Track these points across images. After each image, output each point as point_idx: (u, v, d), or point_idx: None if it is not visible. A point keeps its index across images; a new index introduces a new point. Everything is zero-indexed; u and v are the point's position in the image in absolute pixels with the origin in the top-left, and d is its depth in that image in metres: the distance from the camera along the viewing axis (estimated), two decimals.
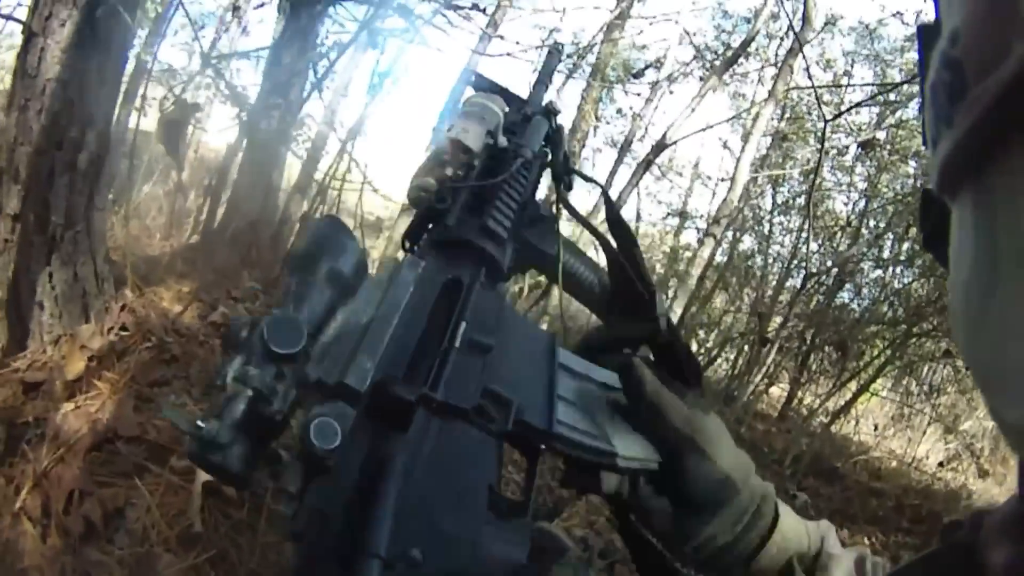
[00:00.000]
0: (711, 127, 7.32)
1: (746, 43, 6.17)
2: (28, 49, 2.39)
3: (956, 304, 0.38)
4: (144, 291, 3.02)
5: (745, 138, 6.28)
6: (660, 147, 5.62)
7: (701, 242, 5.65)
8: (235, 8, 7.82)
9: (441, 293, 0.90)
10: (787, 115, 8.66)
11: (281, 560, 1.89)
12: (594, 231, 1.18)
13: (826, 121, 4.66)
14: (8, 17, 4.30)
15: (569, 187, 1.26)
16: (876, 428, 9.65)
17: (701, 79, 8.52)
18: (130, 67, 6.81)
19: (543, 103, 1.32)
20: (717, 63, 8.06)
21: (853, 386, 7.88)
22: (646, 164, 5.96)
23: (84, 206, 2.57)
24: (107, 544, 1.82)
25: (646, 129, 8.05)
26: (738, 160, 5.63)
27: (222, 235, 4.62)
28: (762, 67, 9.49)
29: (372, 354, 0.75)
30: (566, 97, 8.97)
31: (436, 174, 1.07)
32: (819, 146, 5.47)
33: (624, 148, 7.28)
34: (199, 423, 0.61)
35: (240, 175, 4.78)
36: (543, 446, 0.87)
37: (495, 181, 1.07)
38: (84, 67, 2.44)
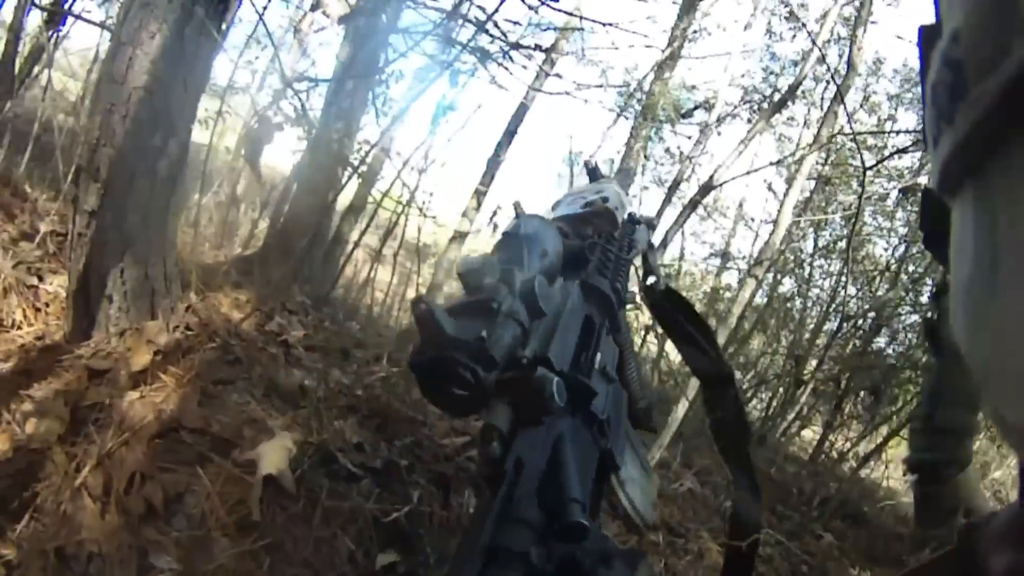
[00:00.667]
0: (756, 171, 7.35)
1: (793, 88, 6.20)
2: (116, 56, 2.48)
3: (956, 303, 0.38)
4: (206, 295, 3.14)
5: (789, 181, 6.32)
6: (707, 189, 5.65)
7: (742, 283, 5.67)
8: (296, 30, 8.01)
9: (584, 322, 1.09)
10: (831, 159, 8.68)
11: (332, 554, 1.98)
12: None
13: (865, 168, 4.71)
14: (79, 17, 4.50)
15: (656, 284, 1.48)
16: (905, 474, 9.58)
17: (749, 121, 8.61)
18: None
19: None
20: (765, 105, 8.13)
21: (884, 431, 7.88)
22: (692, 205, 5.99)
23: (160, 210, 2.68)
24: (165, 525, 1.89)
25: (693, 169, 8.13)
26: (781, 203, 5.64)
27: (277, 250, 4.75)
28: (808, 111, 9.58)
29: (565, 345, 0.95)
30: (615, 134, 9.11)
31: (579, 228, 1.32)
32: (860, 191, 5.52)
33: (672, 188, 7.34)
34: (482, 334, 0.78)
35: (298, 193, 4.90)
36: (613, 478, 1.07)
37: (628, 257, 1.33)
38: (170, 78, 2.54)
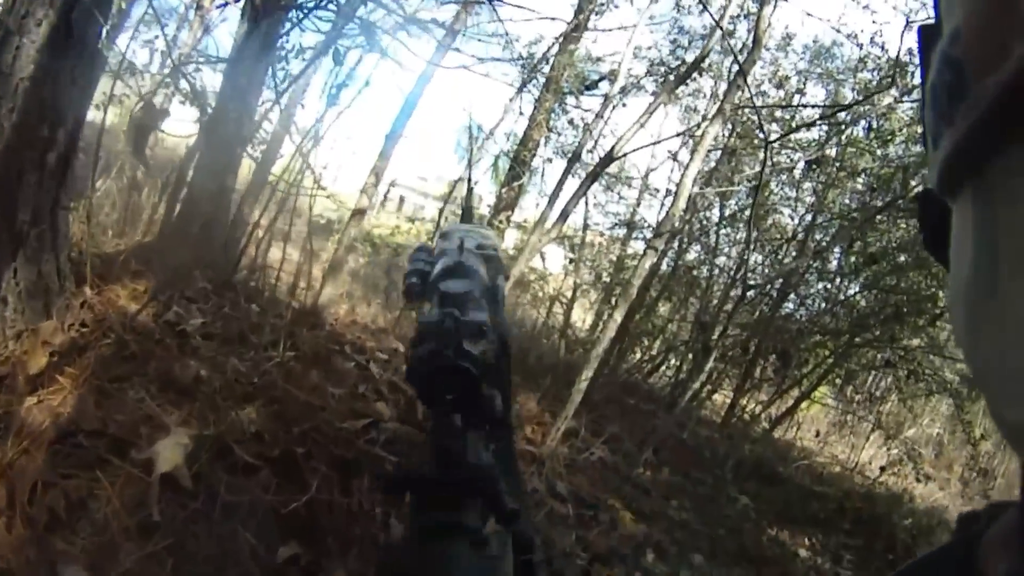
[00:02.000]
0: (659, 142, 7.45)
1: (697, 62, 6.24)
2: (3, 48, 2.43)
3: (955, 304, 0.38)
4: (102, 289, 3.13)
5: (692, 153, 6.37)
6: (608, 160, 5.71)
7: (644, 253, 5.75)
8: (198, 6, 7.87)
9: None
10: (737, 130, 8.81)
11: (234, 550, 2.04)
12: None
13: (768, 143, 4.82)
14: None
15: None
16: (818, 434, 9.93)
17: (654, 93, 8.68)
18: None
19: None
20: (671, 78, 8.21)
21: (795, 393, 8.15)
22: (593, 176, 6.15)
23: (50, 205, 2.64)
24: (71, 533, 1.91)
25: (596, 141, 8.18)
26: (682, 175, 5.66)
27: (176, 235, 4.70)
28: (715, 83, 9.69)
29: None
30: (518, 107, 9.11)
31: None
32: (763, 162, 5.63)
33: (574, 160, 7.39)
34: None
35: (196, 176, 4.81)
36: None
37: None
38: (57, 67, 2.50)
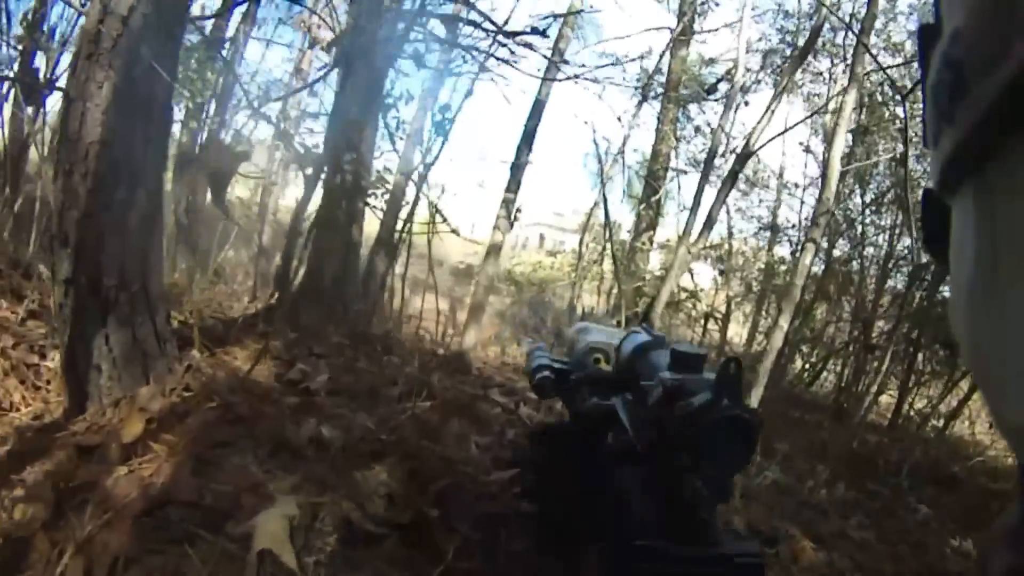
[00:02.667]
0: (792, 127, 7.07)
1: (812, 38, 6.00)
2: (69, 114, 2.35)
3: (956, 303, 0.38)
4: (216, 352, 2.85)
5: (830, 133, 5.98)
6: (745, 156, 5.43)
7: (802, 248, 5.39)
8: (298, 70, 7.85)
9: None
10: (866, 105, 8.20)
11: None
12: None
13: (903, 96, 4.41)
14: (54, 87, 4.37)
15: None
16: (991, 426, 9.09)
17: (775, 84, 8.31)
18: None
19: None
20: (787, 64, 7.86)
21: (965, 385, 7.41)
22: (732, 176, 5.76)
23: (139, 266, 2.46)
24: None
25: (727, 142, 7.86)
26: (827, 154, 5.41)
27: (306, 294, 4.50)
28: (831, 62, 9.21)
29: None
30: (640, 121, 8.84)
31: None
32: (903, 129, 5.26)
33: (708, 163, 7.07)
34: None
35: (318, 233, 4.65)
36: None
37: None
38: (127, 127, 2.38)
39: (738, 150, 5.85)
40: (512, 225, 4.92)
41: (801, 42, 8.28)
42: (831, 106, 7.19)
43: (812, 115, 8.51)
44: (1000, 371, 0.34)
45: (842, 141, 5.61)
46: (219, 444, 2.13)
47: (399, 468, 2.23)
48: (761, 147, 5.55)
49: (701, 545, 0.99)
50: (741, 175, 6.43)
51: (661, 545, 0.96)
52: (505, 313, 7.96)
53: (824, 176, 5.23)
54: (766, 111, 5.27)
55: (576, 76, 4.78)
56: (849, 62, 6.32)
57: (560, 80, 5.20)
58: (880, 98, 8.37)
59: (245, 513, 1.81)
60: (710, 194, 6.32)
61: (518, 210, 4.94)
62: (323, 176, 4.55)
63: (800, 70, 7.31)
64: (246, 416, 2.28)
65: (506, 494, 2.29)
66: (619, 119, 8.58)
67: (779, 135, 6.00)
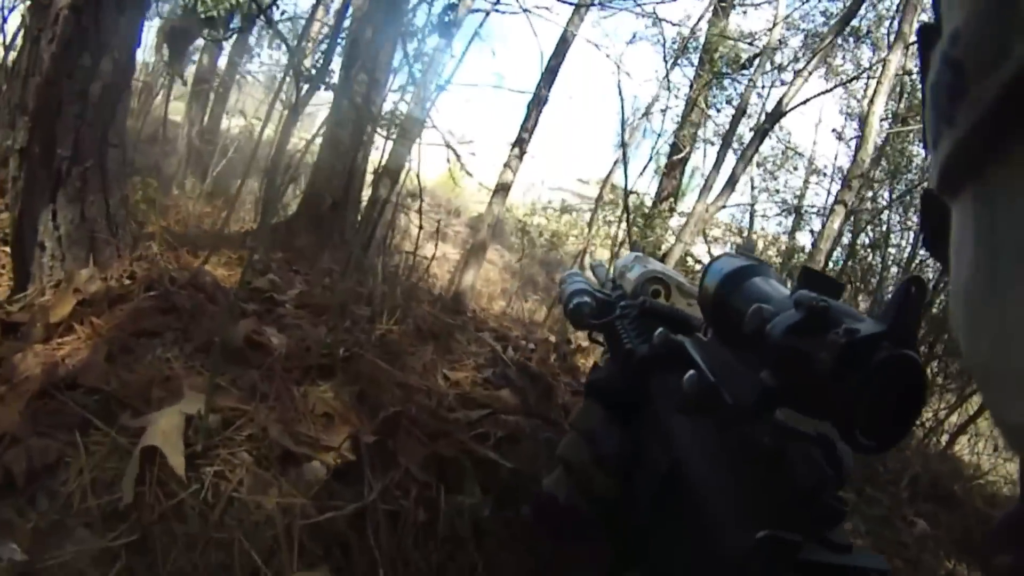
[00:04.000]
0: (830, 90, 6.80)
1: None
2: None
3: (956, 304, 0.37)
4: (178, 251, 2.61)
5: (872, 92, 5.70)
6: (776, 115, 5.16)
7: (831, 212, 5.15)
8: None
9: None
10: (907, 92, 7.94)
11: (225, 567, 1.35)
12: None
13: None
14: None
15: None
16: (996, 448, 8.83)
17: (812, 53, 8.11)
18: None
19: None
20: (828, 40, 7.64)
21: (975, 402, 7.14)
22: (761, 134, 5.47)
23: (96, 140, 2.24)
24: (26, 503, 1.32)
25: (764, 103, 7.61)
26: (868, 112, 5.13)
27: (301, 218, 4.28)
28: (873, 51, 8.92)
29: None
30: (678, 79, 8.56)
31: None
32: None
33: (739, 116, 6.81)
34: None
35: (322, 156, 4.42)
36: None
37: None
38: None
39: (769, 109, 5.61)
40: (522, 159, 4.65)
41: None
42: (879, 60, 6.88)
43: (855, 77, 8.18)
44: (1000, 371, 0.33)
45: (883, 100, 5.35)
46: (145, 333, 1.87)
47: (348, 389, 1.97)
48: (794, 108, 5.25)
49: (824, 546, 0.65)
50: (770, 150, 6.20)
51: (791, 539, 0.60)
52: (516, 269, 7.72)
53: (861, 136, 4.97)
54: (804, 69, 5.02)
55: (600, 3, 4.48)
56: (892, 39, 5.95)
57: (587, 5, 4.91)
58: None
59: (150, 408, 1.56)
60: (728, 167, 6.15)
61: (524, 145, 4.66)
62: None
63: (838, 46, 7.05)
64: (183, 309, 2.02)
65: (466, 437, 2.03)
66: (657, 73, 8.29)
67: (816, 96, 5.72)
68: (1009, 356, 0.32)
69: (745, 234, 9.71)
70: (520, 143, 4.65)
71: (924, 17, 6.31)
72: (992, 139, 0.31)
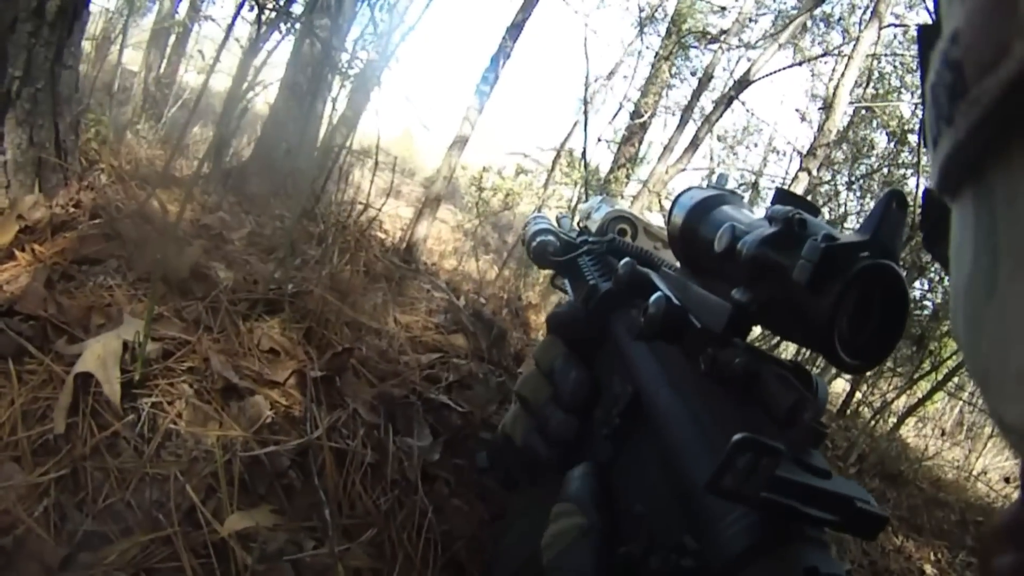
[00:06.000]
0: (800, 64, 6.79)
1: None
2: None
3: (956, 304, 0.36)
4: (126, 182, 2.47)
5: (844, 66, 5.69)
6: (743, 83, 5.10)
7: (794, 179, 5.14)
8: None
9: None
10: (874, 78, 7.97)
11: (159, 504, 1.24)
12: None
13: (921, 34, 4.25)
14: None
15: None
16: (943, 433, 8.97)
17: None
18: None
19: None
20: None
21: (925, 386, 7.23)
22: (728, 100, 5.41)
23: (50, 61, 2.07)
24: None
25: (731, 74, 7.57)
26: (837, 85, 5.13)
27: (255, 163, 4.13)
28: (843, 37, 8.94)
29: None
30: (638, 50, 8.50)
31: None
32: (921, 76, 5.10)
33: (704, 81, 6.77)
34: None
35: (279, 100, 4.27)
36: None
37: None
38: None
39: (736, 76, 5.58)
40: (481, 111, 4.53)
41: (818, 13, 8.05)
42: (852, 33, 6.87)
43: (827, 55, 8.19)
44: (1000, 371, 0.32)
45: (853, 75, 5.32)
46: (88, 260, 1.76)
47: (295, 326, 1.88)
48: (762, 78, 5.20)
49: (803, 470, 0.57)
50: (732, 125, 6.18)
51: (771, 445, 0.53)
52: (469, 230, 7.64)
53: (830, 107, 4.95)
54: (773, 40, 5.00)
55: None
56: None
57: None
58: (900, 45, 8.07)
59: (89, 334, 1.45)
60: (688, 132, 6.09)
61: (484, 98, 4.55)
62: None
63: (808, 29, 7.04)
64: (128, 237, 1.91)
65: (417, 379, 1.95)
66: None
67: (785, 68, 5.70)
68: (1009, 356, 0.31)
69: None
70: (480, 95, 4.56)
71: (901, 3, 6.29)
72: (992, 139, 0.31)
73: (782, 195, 0.75)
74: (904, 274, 0.61)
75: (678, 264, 0.93)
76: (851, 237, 0.61)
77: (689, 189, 0.90)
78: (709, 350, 0.70)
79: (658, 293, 0.79)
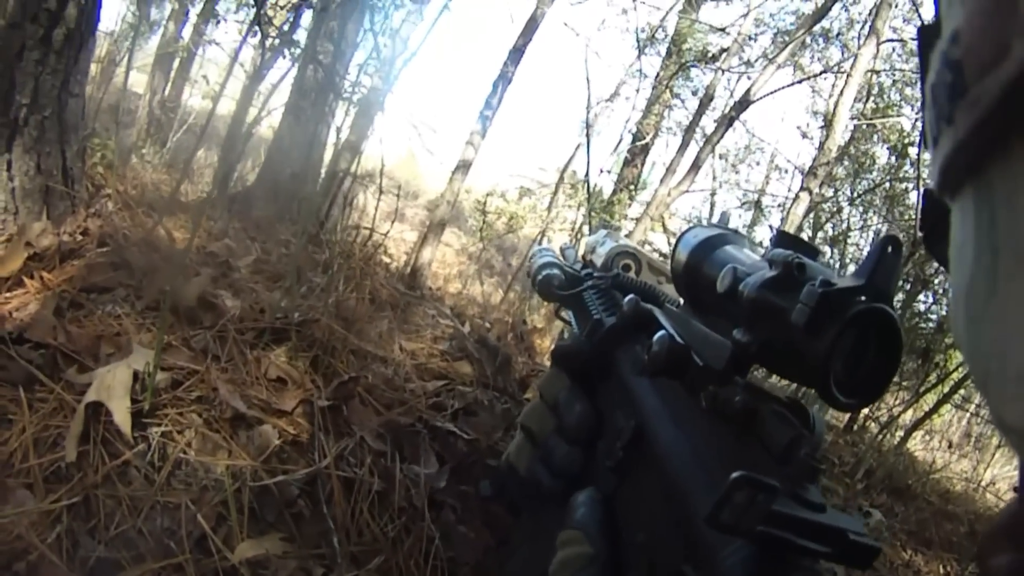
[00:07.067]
0: (799, 82, 6.80)
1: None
2: None
3: (956, 304, 0.36)
4: (134, 211, 2.49)
5: (843, 83, 5.70)
6: (743, 104, 5.10)
7: (795, 199, 5.14)
8: None
9: None
10: (874, 92, 7.99)
11: (170, 532, 1.25)
12: None
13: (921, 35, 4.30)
14: None
15: None
16: (951, 446, 8.92)
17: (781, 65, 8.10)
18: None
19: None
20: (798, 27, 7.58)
21: (931, 399, 7.21)
22: (729, 121, 5.40)
23: (57, 89, 2.10)
24: None
25: (731, 94, 7.59)
26: (837, 104, 5.13)
27: (260, 188, 4.15)
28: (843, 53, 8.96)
29: None
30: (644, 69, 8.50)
31: None
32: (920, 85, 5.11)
33: (704, 105, 6.78)
34: None
35: (283, 125, 4.30)
36: None
37: None
38: None
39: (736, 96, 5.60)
40: (484, 136, 4.56)
41: (817, 29, 8.07)
42: (844, 67, 6.90)
43: (823, 73, 8.19)
44: (1000, 372, 0.32)
45: (853, 92, 5.29)
46: (96, 289, 1.78)
47: (302, 354, 1.89)
48: (762, 97, 5.22)
49: (798, 504, 0.59)
50: (733, 144, 6.18)
51: (767, 483, 0.55)
52: (474, 254, 7.65)
53: (830, 125, 4.96)
54: (771, 63, 5.00)
55: None
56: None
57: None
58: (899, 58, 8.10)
59: (98, 363, 1.47)
60: (691, 151, 6.11)
61: (487, 122, 4.57)
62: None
63: (808, 46, 7.05)
64: (137, 265, 1.93)
65: (423, 407, 1.97)
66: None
67: (784, 87, 5.72)
68: (1009, 356, 0.32)
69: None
70: (484, 119, 4.58)
71: (899, 16, 6.30)
72: (992, 139, 0.31)
73: (783, 238, 0.77)
74: (897, 316, 0.64)
75: (680, 299, 0.96)
76: (847, 281, 0.63)
77: (693, 227, 0.93)
78: (710, 387, 0.73)
79: (662, 331, 0.82)
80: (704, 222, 1.08)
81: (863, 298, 0.62)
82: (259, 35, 3.85)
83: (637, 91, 7.98)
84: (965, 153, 0.32)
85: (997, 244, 0.32)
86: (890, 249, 0.63)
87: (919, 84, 0.43)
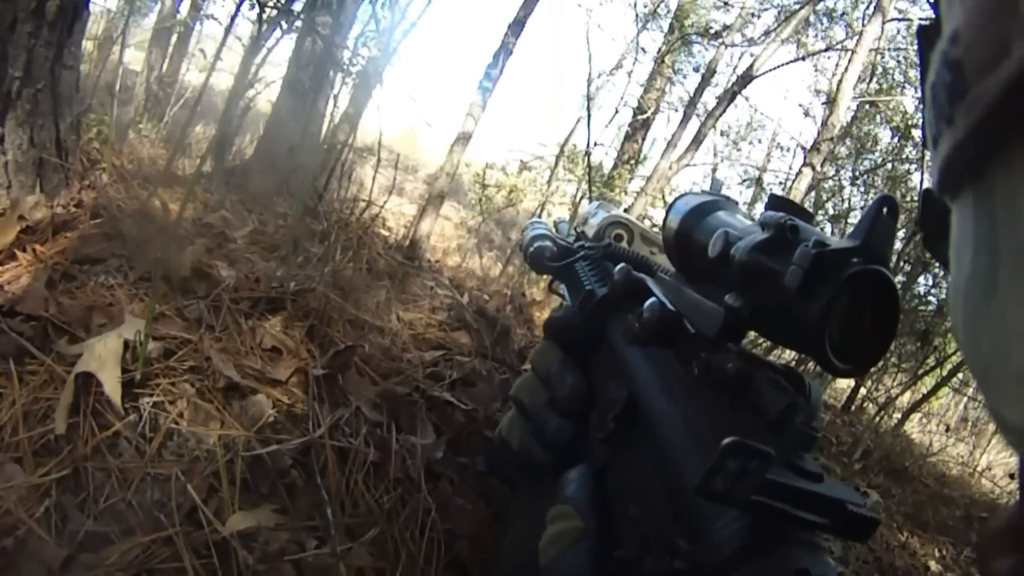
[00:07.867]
0: (803, 58, 6.76)
1: None
2: None
3: (956, 304, 0.36)
4: (128, 182, 2.47)
5: (851, 55, 5.66)
6: (746, 79, 5.07)
7: (798, 174, 5.12)
8: None
9: None
10: (878, 73, 7.93)
11: (161, 505, 1.23)
12: None
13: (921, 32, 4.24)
14: None
15: None
16: (948, 429, 8.92)
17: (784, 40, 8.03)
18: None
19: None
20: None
21: (929, 382, 7.20)
22: (731, 96, 5.39)
23: (50, 62, 2.06)
24: None
25: (733, 69, 7.55)
26: (840, 81, 5.11)
27: (257, 161, 4.11)
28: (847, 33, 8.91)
29: None
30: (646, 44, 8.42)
31: None
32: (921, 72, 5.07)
33: (707, 76, 6.75)
34: None
35: (280, 99, 4.26)
36: None
37: None
38: None
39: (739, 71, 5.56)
40: (485, 108, 4.52)
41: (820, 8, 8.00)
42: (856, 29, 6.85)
43: (827, 50, 8.14)
44: (1000, 371, 0.32)
45: (857, 69, 5.29)
46: (89, 260, 1.76)
47: (297, 324, 1.87)
48: (765, 72, 5.18)
49: (794, 473, 0.57)
50: (735, 121, 6.14)
51: (760, 449, 0.52)
52: (474, 227, 7.62)
53: (834, 102, 4.93)
54: (775, 35, 4.96)
55: None
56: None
57: None
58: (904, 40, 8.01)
59: (90, 334, 1.45)
60: (692, 127, 6.05)
61: (487, 94, 4.53)
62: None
63: (811, 24, 7.02)
64: (130, 236, 1.90)
65: (420, 377, 1.95)
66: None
67: (788, 63, 5.69)
68: (1009, 356, 0.32)
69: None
70: (483, 91, 4.53)
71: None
72: (992, 139, 0.31)
73: (775, 201, 0.75)
74: (895, 279, 0.62)
75: (673, 269, 0.94)
76: (842, 243, 0.61)
77: (684, 195, 0.91)
78: (703, 355, 0.71)
79: (653, 299, 0.81)
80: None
81: (858, 259, 0.60)
82: (255, 7, 3.80)
83: (635, 63, 7.96)
84: (965, 153, 0.32)
85: (997, 245, 0.32)
86: (885, 210, 0.61)
87: (920, 76, 0.41)
